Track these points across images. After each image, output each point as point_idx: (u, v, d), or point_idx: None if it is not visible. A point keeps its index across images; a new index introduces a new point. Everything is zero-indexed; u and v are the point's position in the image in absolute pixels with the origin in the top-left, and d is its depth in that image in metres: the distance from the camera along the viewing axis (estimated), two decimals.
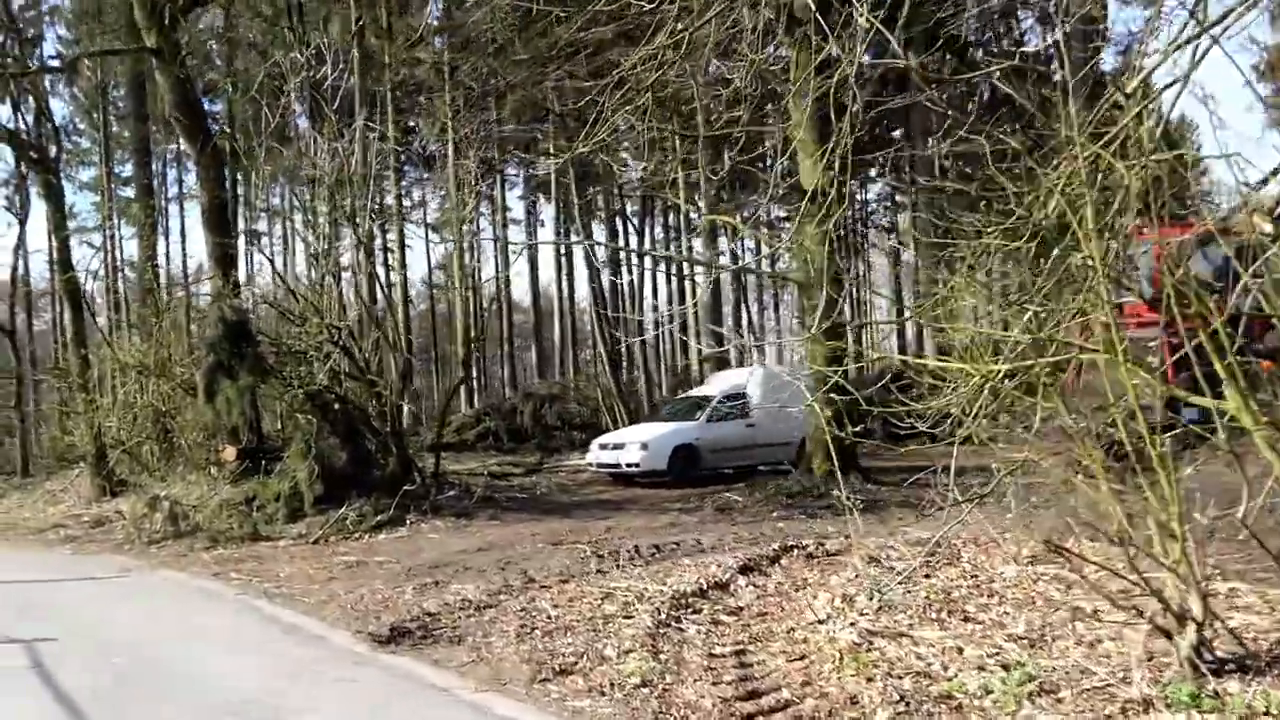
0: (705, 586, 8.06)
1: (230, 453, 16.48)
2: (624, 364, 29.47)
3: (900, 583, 7.16)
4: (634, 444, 17.93)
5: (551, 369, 44.68)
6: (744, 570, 8.60)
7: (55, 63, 28.15)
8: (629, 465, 17.83)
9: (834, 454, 16.10)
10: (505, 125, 24.10)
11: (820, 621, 6.67)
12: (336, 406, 14.46)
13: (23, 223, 29.73)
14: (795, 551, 9.29)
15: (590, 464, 19.01)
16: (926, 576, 7.62)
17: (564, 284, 42.95)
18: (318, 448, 14.83)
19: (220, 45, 31.01)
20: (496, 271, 36.10)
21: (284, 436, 17.71)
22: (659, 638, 6.80)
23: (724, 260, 32.36)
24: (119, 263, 37.78)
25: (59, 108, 37.93)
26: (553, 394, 31.41)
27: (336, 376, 14.57)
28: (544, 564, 10.69)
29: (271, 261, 15.88)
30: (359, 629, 7.85)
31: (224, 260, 17.72)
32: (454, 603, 8.65)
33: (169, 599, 9.96)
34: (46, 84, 22.75)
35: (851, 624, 6.46)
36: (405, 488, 14.57)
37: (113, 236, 38.57)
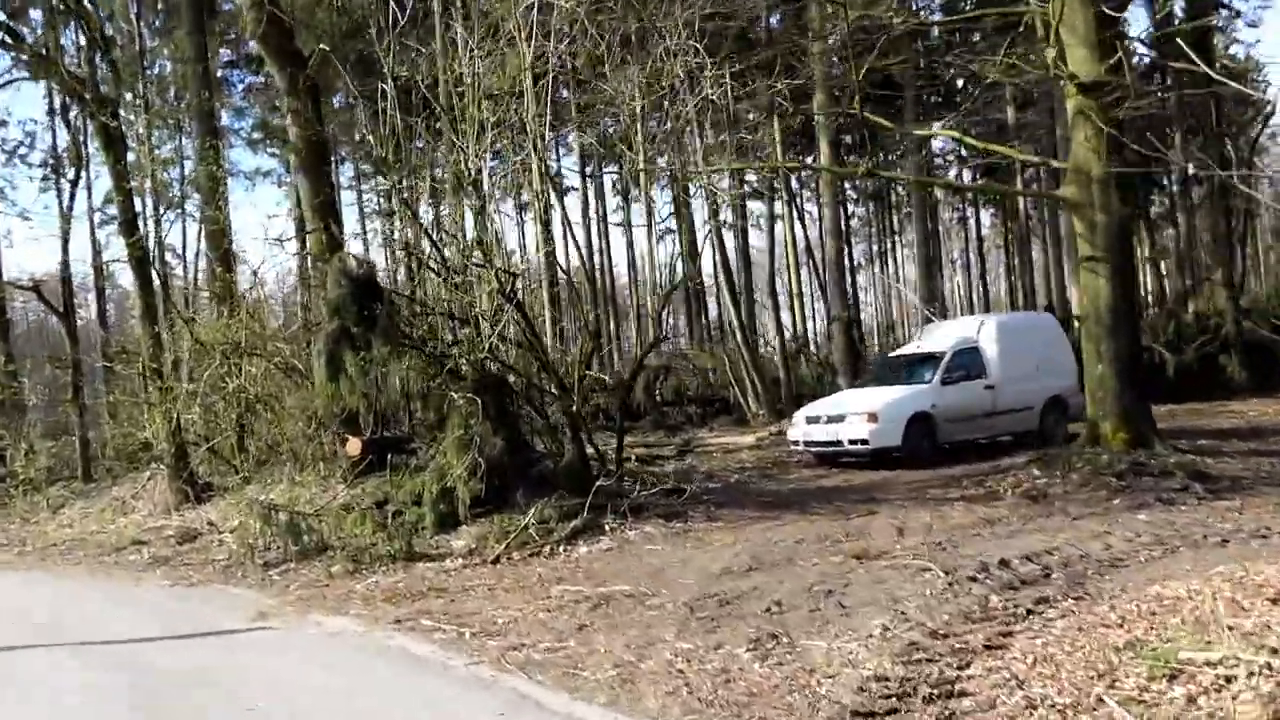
0: None
1: (355, 445, 13.10)
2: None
3: None
4: (858, 414, 13.97)
5: (639, 338, 41.21)
6: None
7: None
8: (853, 441, 13.92)
9: (1131, 417, 12.83)
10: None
11: None
12: (512, 379, 10.95)
13: (74, 184, 26.47)
14: None
15: (796, 442, 15.17)
16: None
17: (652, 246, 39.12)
18: (477, 435, 11.44)
19: None
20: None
21: (412, 422, 14.36)
22: None
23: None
24: (162, 246, 34.53)
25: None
26: (666, 366, 27.92)
27: (504, 341, 11.07)
28: (890, 593, 7.20)
29: (405, 199, 12.43)
30: None
31: (325, 209, 14.32)
32: (890, 687, 5.16)
33: (368, 683, 6.45)
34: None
35: None
36: (599, 483, 11.10)
37: (157, 219, 35.36)
